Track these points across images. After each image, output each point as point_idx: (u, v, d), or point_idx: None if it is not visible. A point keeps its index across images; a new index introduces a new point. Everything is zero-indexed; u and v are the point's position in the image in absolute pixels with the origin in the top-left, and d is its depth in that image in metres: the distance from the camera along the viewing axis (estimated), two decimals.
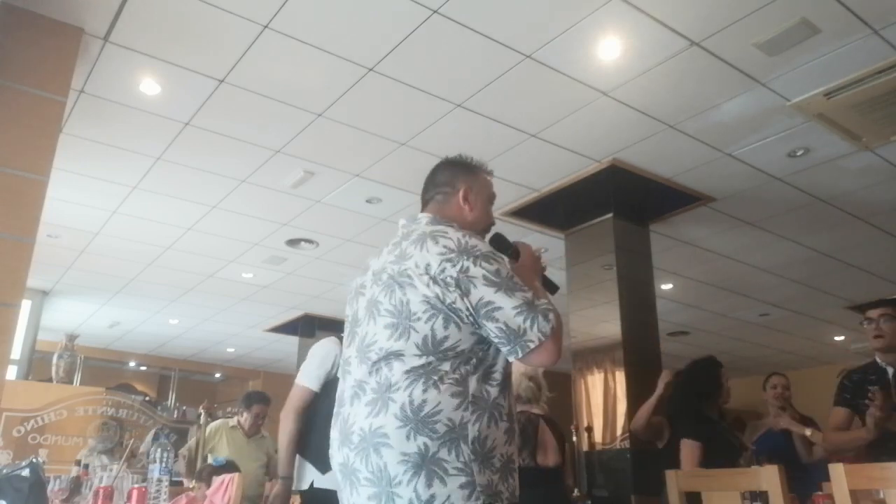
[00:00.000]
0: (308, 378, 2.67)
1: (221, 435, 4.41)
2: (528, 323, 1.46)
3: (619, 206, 4.81)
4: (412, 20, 3.01)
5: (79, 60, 3.12)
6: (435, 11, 2.95)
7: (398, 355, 1.47)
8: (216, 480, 2.75)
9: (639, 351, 4.58)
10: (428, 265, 1.49)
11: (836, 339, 8.44)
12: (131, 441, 5.13)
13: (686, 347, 8.62)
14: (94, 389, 5.98)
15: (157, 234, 5.44)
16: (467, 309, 1.47)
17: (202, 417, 6.30)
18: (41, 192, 2.80)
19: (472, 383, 1.46)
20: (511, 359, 1.51)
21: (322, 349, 2.73)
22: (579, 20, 3.01)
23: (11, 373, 6.19)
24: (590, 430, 4.53)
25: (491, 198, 1.83)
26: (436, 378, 1.43)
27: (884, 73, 3.28)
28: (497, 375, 1.52)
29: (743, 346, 8.68)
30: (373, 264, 1.69)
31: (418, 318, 1.47)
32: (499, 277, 1.49)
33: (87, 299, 7.28)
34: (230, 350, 9.54)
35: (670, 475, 2.32)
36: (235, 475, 2.65)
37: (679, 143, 4.00)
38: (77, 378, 6.38)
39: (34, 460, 2.36)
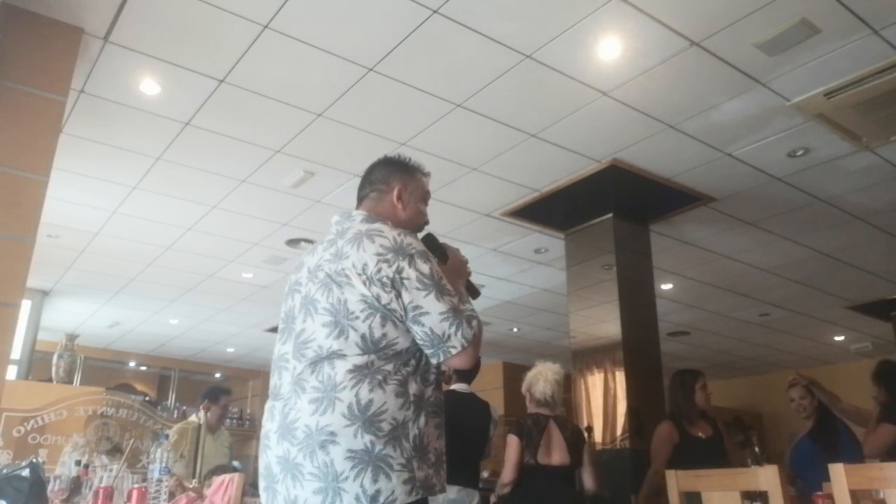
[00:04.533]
0: None
1: (192, 438, 4.41)
2: (452, 329, 1.52)
3: (619, 206, 4.81)
4: (412, 20, 3.01)
5: (79, 60, 3.11)
6: (435, 11, 2.95)
7: (340, 355, 1.50)
8: (216, 480, 2.74)
9: (639, 351, 4.58)
10: (365, 265, 1.53)
11: (836, 339, 8.44)
12: (131, 441, 5.12)
13: (686, 347, 8.62)
14: (94, 389, 5.97)
15: (157, 234, 5.44)
16: (402, 309, 1.52)
17: (202, 417, 6.30)
18: (41, 192, 2.80)
19: (413, 383, 1.53)
20: (433, 361, 1.57)
21: None
22: (579, 20, 3.01)
23: (11, 373, 6.19)
24: (590, 430, 4.54)
25: (425, 198, 1.87)
26: (380, 378, 1.49)
27: (884, 73, 3.28)
28: (431, 376, 1.59)
29: (743, 346, 8.68)
30: (307, 261, 1.70)
31: (356, 317, 1.52)
32: (431, 280, 1.55)
33: (87, 299, 7.28)
34: (230, 350, 9.53)
35: (670, 475, 2.32)
36: (235, 475, 2.65)
37: (679, 143, 4.00)
38: (77, 378, 6.37)
39: (34, 460, 2.37)
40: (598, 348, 4.68)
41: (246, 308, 7.51)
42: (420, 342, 1.54)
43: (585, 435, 4.47)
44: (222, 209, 4.97)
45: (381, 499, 1.41)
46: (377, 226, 1.65)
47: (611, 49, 3.20)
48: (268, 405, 1.62)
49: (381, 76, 3.40)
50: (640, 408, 4.35)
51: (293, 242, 5.62)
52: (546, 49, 3.19)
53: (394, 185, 1.80)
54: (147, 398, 8.24)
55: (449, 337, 1.52)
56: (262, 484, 1.56)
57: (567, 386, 4.71)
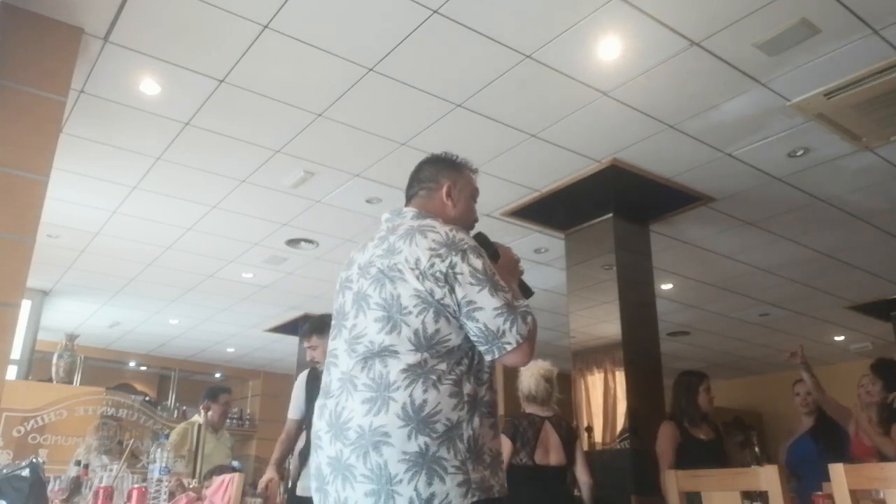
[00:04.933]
0: (290, 411, 3.43)
1: (192, 437, 4.42)
2: (507, 325, 1.50)
3: (619, 206, 4.81)
4: (412, 20, 3.01)
5: (79, 60, 3.11)
6: (435, 11, 2.95)
7: (392, 352, 1.49)
8: (216, 480, 2.74)
9: (639, 351, 4.58)
10: (418, 260, 1.53)
11: (836, 339, 8.43)
12: (131, 441, 5.12)
13: (686, 347, 8.62)
14: (94, 389, 5.96)
15: (157, 234, 5.44)
16: (455, 304, 1.51)
17: (203, 417, 6.30)
18: (41, 192, 2.80)
19: (466, 383, 1.50)
20: (487, 358, 1.55)
21: (296, 382, 3.46)
22: (579, 20, 3.01)
23: (11, 373, 6.18)
24: (590, 430, 4.53)
25: (474, 195, 1.86)
26: (434, 378, 1.46)
27: (884, 73, 3.28)
28: (484, 376, 1.56)
29: (743, 346, 8.67)
30: (357, 258, 1.70)
31: (409, 312, 1.50)
32: (484, 275, 1.53)
33: (87, 299, 7.28)
34: (230, 350, 9.53)
35: (670, 475, 2.33)
36: (235, 475, 2.65)
37: (679, 143, 4.00)
38: (77, 378, 6.36)
39: (34, 460, 2.37)
40: (598, 348, 4.68)
41: (246, 308, 7.51)
42: (474, 338, 1.52)
43: (585, 435, 4.48)
44: (222, 209, 4.97)
45: (436, 502, 1.39)
46: (428, 221, 1.64)
47: (611, 49, 3.20)
48: (318, 402, 1.61)
49: (381, 76, 3.40)
50: (639, 408, 4.34)
51: (293, 242, 5.62)
52: (546, 49, 3.19)
53: (443, 182, 1.79)
54: (147, 398, 8.24)
55: (504, 333, 1.49)
56: (313, 485, 1.56)
57: (567, 386, 4.72)
